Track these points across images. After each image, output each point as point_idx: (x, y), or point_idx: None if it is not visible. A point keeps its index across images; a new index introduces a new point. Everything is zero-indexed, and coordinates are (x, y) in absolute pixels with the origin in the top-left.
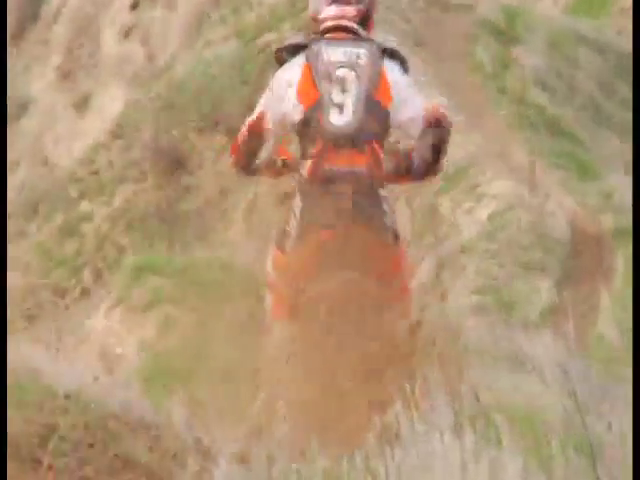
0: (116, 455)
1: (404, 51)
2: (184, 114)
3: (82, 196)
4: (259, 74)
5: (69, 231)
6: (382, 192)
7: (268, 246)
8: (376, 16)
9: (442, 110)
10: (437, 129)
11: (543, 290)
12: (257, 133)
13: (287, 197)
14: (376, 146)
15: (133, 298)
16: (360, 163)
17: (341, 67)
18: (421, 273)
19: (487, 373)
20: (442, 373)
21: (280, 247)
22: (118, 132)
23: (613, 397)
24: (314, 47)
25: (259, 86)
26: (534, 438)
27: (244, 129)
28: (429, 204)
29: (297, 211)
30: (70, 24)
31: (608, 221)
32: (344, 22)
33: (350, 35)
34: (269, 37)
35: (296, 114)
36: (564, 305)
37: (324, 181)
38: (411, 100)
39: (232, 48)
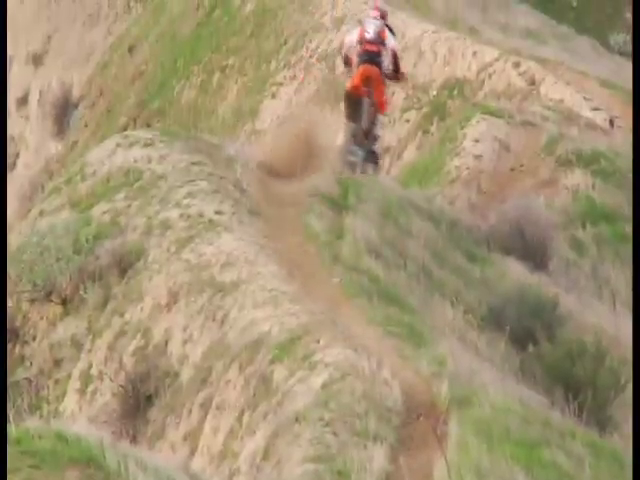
0: None
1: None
2: (18, 285)
3: None
4: (93, 243)
5: None
6: (383, 55)
7: None
8: (209, 186)
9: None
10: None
11: (378, 458)
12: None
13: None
14: (381, 47)
15: None
16: (376, 48)
17: (370, 25)
18: (256, 442)
19: None
20: None
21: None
22: None
23: None
24: (363, 21)
25: (92, 255)
26: None
27: (343, 50)
28: (263, 372)
29: (355, 64)
30: None
31: (442, 388)
32: (375, 16)
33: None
34: (103, 207)
35: (356, 36)
36: (400, 473)
37: (364, 52)
38: (393, 42)
39: (66, 218)
